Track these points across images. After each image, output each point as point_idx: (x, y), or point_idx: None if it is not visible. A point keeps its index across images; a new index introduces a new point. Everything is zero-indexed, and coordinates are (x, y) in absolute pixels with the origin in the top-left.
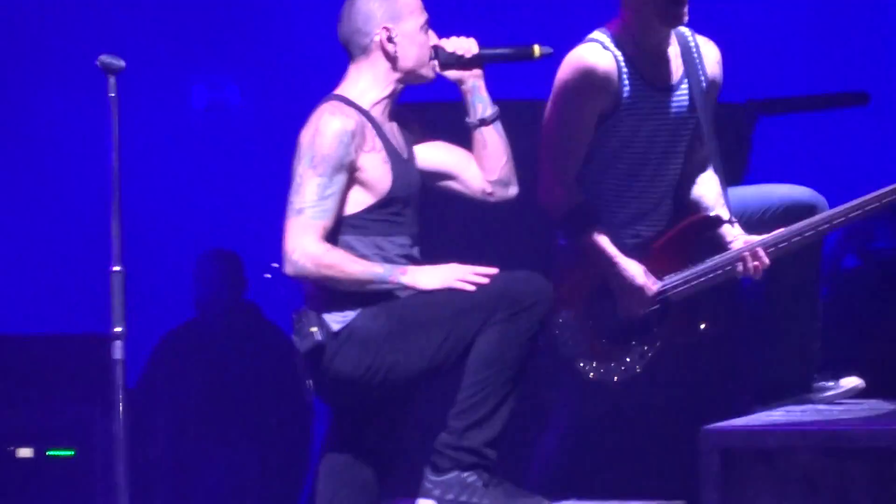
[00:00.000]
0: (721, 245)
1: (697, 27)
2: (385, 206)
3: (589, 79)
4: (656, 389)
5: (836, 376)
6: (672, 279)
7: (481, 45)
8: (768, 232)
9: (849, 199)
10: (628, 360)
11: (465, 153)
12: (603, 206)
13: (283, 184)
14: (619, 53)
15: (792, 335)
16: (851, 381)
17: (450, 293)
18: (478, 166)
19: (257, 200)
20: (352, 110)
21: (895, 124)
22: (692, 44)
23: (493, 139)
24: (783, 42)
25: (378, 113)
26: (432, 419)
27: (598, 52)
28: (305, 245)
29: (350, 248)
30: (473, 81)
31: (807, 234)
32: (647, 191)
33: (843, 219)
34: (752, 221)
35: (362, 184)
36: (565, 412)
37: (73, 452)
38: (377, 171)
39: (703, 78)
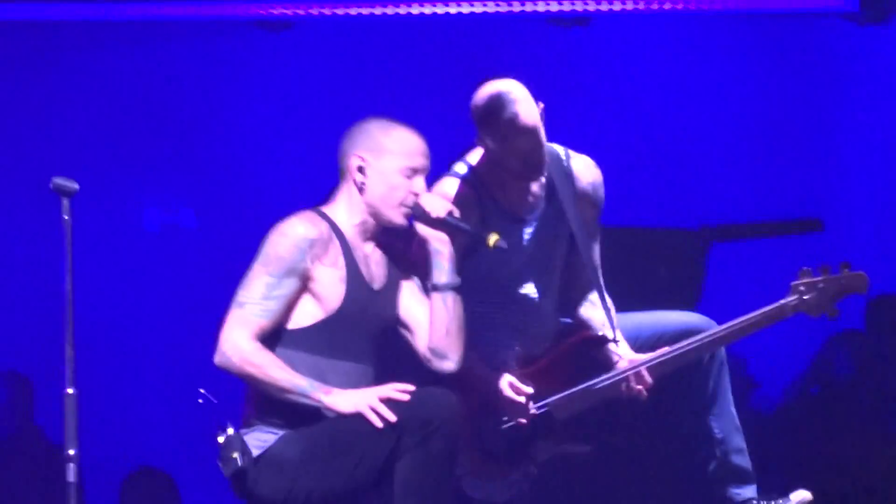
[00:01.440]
0: (608, 363)
1: (651, 153)
2: (331, 325)
3: None
4: None
5: (786, 492)
6: (556, 396)
7: (454, 216)
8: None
9: (798, 327)
10: (514, 478)
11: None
12: (487, 326)
13: None
14: (478, 186)
15: (708, 452)
16: (800, 495)
17: (361, 417)
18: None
19: (211, 323)
20: (323, 223)
21: (848, 250)
22: (565, 165)
23: (438, 307)
24: (738, 168)
25: (353, 234)
26: None
27: (457, 187)
28: (237, 339)
29: (290, 364)
30: (438, 245)
31: (688, 352)
32: (519, 313)
33: (723, 337)
34: (645, 348)
35: (314, 295)
36: None
37: None
38: (330, 288)
39: (572, 201)
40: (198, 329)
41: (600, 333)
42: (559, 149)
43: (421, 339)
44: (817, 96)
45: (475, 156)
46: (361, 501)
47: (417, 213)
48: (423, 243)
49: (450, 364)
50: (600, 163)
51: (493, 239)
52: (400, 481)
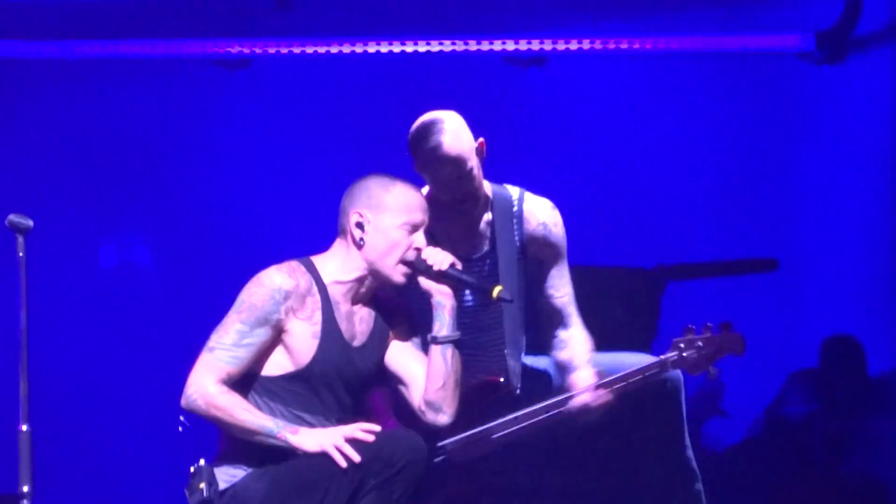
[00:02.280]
0: (501, 409)
1: (607, 193)
2: (301, 379)
3: None
4: None
5: None
6: (453, 438)
7: (457, 269)
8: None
9: (755, 364)
10: None
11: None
12: None
13: (192, 343)
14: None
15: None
16: None
17: (327, 456)
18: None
19: (164, 359)
20: (305, 275)
21: (804, 290)
22: (515, 209)
23: (437, 360)
24: (694, 207)
25: (337, 292)
26: None
27: None
28: (203, 383)
29: (259, 409)
30: (440, 298)
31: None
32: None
33: (603, 385)
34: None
35: (286, 347)
36: None
37: None
38: (302, 342)
39: (517, 243)
40: (152, 365)
41: (500, 380)
42: (513, 191)
43: (416, 393)
44: (774, 136)
45: (424, 191)
46: None
47: (421, 267)
48: (422, 296)
49: (444, 417)
50: (557, 201)
51: (496, 291)
52: None
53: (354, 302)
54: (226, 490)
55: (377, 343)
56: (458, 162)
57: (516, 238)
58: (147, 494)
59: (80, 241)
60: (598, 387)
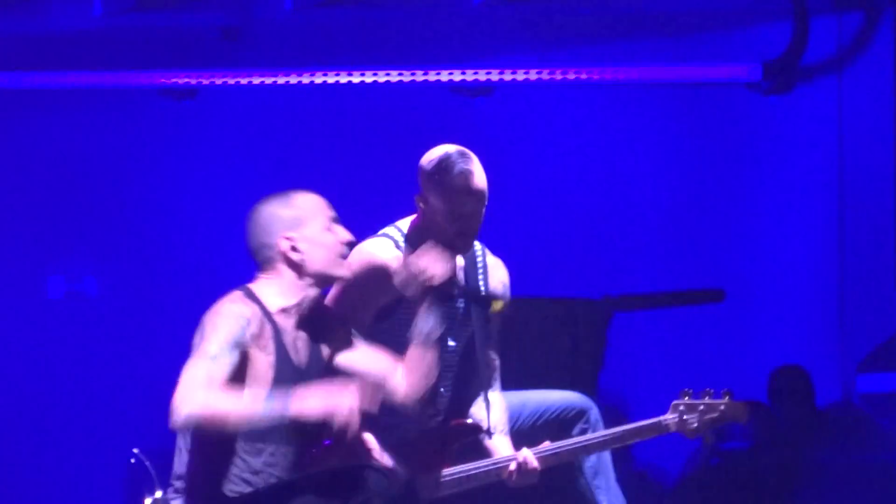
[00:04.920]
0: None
1: (553, 223)
2: None
3: (373, 274)
4: None
5: None
6: (428, 477)
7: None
8: (538, 438)
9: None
10: None
11: (388, 366)
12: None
13: (140, 375)
14: (408, 253)
15: None
16: None
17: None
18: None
19: (112, 390)
20: (255, 307)
21: (749, 320)
22: (479, 261)
23: (418, 359)
24: (640, 238)
25: (283, 318)
26: None
27: (387, 250)
28: (188, 393)
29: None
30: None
31: (573, 451)
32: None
33: (603, 442)
34: (527, 424)
35: (246, 377)
36: None
37: None
38: (260, 373)
39: (483, 294)
40: (100, 396)
41: (470, 421)
42: (476, 243)
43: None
44: (721, 165)
45: (406, 223)
46: None
47: (418, 285)
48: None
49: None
50: (504, 231)
51: (498, 304)
52: None
53: (297, 326)
54: None
55: (317, 358)
56: (481, 196)
57: (482, 289)
58: None
59: (28, 272)
60: (594, 443)
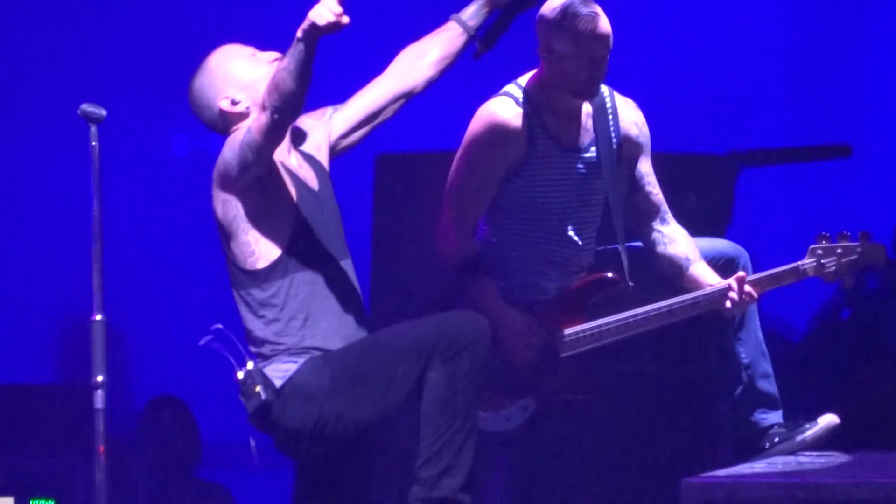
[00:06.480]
0: (615, 304)
1: (679, 79)
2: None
3: (497, 134)
4: (636, 440)
5: (813, 417)
6: (568, 333)
7: None
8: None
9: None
10: (507, 412)
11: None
12: (507, 254)
13: None
14: (530, 110)
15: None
16: (827, 419)
17: (388, 341)
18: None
19: None
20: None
21: (877, 176)
22: (608, 105)
23: (455, 41)
24: (766, 93)
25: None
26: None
27: (509, 108)
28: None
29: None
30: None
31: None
32: (550, 244)
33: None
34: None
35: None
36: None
37: (53, 502)
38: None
39: (614, 139)
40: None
41: (610, 275)
42: (603, 87)
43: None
44: (847, 21)
45: (525, 79)
46: (388, 424)
47: None
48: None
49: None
50: (630, 90)
51: None
52: (427, 400)
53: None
54: (282, 387)
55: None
56: (608, 40)
57: (612, 133)
58: (213, 383)
59: (153, 130)
60: (748, 283)
